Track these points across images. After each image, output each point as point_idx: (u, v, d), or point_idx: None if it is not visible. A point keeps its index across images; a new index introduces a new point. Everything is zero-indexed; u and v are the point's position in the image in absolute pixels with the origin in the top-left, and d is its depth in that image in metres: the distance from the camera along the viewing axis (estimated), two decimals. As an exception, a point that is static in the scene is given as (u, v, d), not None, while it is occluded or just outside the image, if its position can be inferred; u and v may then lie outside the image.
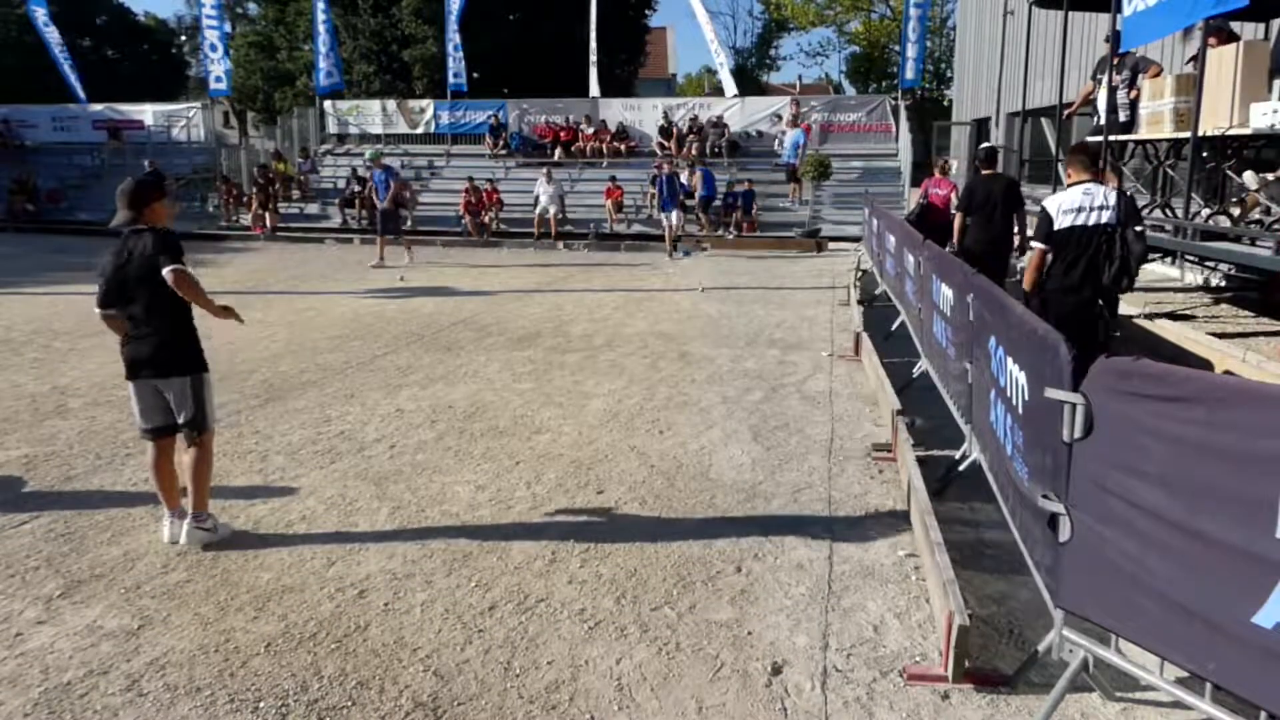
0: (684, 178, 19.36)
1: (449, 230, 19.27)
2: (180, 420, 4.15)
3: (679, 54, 55.57)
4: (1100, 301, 5.53)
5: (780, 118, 21.80)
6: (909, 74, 21.86)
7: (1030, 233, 5.88)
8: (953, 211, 9.36)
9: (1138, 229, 5.41)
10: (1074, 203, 5.40)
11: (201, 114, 25.70)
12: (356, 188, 20.02)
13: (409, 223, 19.75)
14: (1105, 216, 5.33)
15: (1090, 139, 10.34)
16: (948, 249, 7.59)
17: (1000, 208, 8.03)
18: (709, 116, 22.21)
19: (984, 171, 8.46)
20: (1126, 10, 7.41)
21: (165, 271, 3.94)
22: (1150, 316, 8.46)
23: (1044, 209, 5.55)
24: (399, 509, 4.65)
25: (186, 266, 4.02)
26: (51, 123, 25.69)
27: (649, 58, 38.88)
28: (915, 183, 16.56)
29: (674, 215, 16.38)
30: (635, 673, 3.18)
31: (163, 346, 4.08)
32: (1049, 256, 5.52)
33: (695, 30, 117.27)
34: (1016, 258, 8.68)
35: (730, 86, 24.30)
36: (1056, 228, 5.43)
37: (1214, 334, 7.57)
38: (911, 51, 21.74)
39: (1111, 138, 9.13)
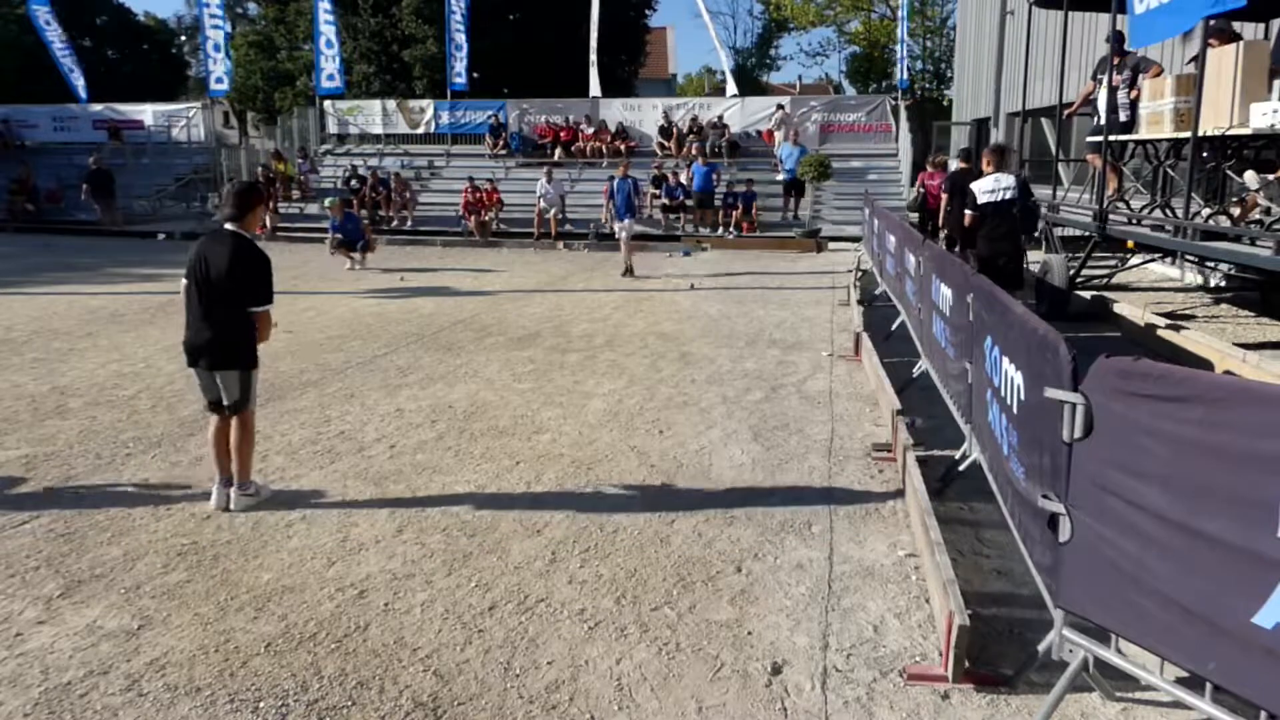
0: (683, 178, 19.41)
1: (449, 230, 19.26)
2: (225, 401, 4.63)
3: (679, 54, 55.55)
4: (1012, 250, 8.28)
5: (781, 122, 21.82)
6: (904, 74, 21.87)
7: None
8: (941, 195, 11.47)
9: (1032, 200, 8.91)
10: (988, 186, 8.11)
11: (201, 114, 25.69)
12: (356, 184, 20.04)
13: (409, 223, 19.85)
14: (1009, 194, 8.01)
15: (1090, 138, 10.37)
16: (941, 234, 9.95)
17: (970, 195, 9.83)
18: (709, 117, 22.22)
19: (961, 166, 10.75)
20: (1138, 9, 7.40)
21: (254, 310, 4.53)
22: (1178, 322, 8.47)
23: (970, 190, 8.33)
24: (399, 509, 4.65)
25: (273, 306, 4.62)
26: (51, 123, 25.66)
27: (649, 58, 38.86)
28: (915, 182, 17.38)
29: (628, 225, 13.72)
30: (635, 673, 3.18)
31: (224, 343, 4.54)
32: (975, 220, 8.25)
33: (695, 30, 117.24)
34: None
35: (734, 86, 24.32)
36: (980, 203, 8.12)
37: (1215, 335, 7.57)
38: (905, 52, 21.75)
39: (1112, 138, 9.13)
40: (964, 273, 4.73)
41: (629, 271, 13.54)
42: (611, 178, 14.42)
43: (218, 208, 20.86)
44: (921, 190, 12.94)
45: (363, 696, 3.04)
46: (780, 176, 19.02)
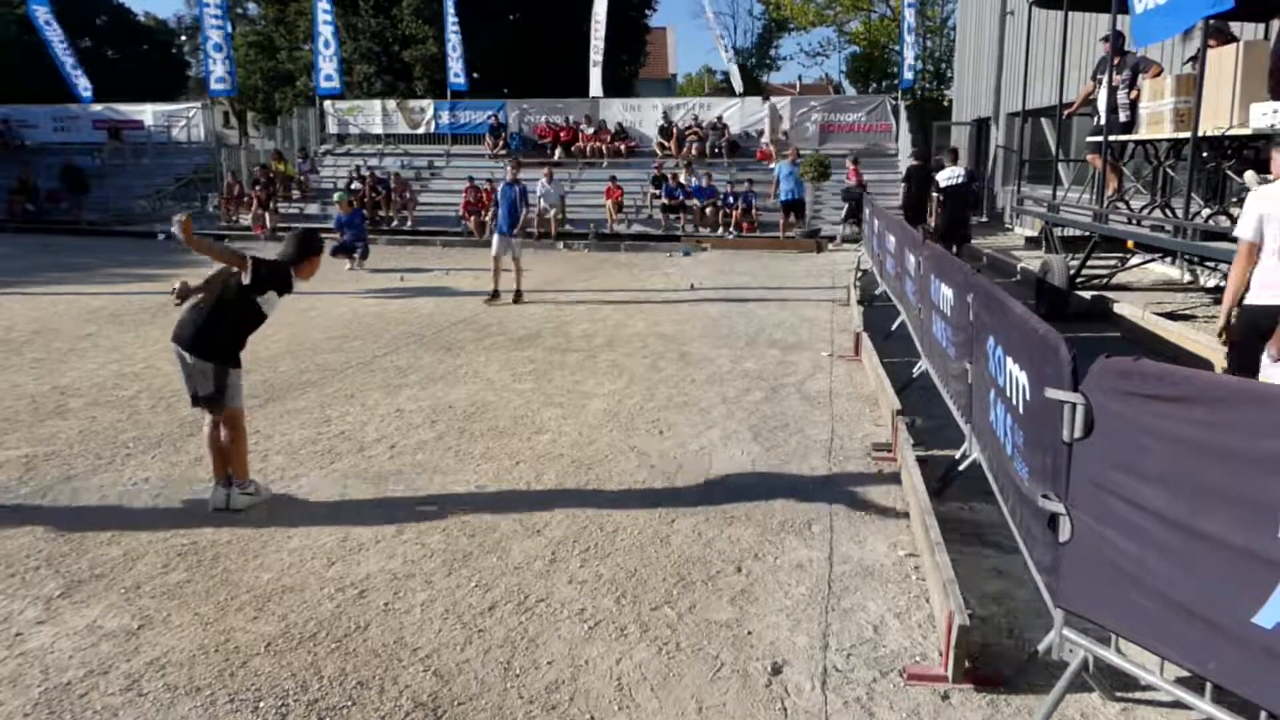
0: (682, 178, 19.42)
1: (449, 230, 19.27)
2: (199, 394, 4.59)
3: (679, 54, 55.53)
4: (964, 218, 13.10)
5: (780, 118, 21.78)
6: (907, 74, 21.86)
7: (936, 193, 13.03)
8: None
9: (975, 185, 15.43)
10: (949, 176, 12.90)
11: (201, 114, 25.69)
12: (356, 185, 20.04)
13: (409, 223, 19.87)
14: (961, 180, 12.84)
15: (1090, 138, 10.37)
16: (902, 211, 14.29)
17: (923, 184, 14.95)
18: (709, 117, 22.23)
19: (915, 163, 16.00)
20: (1137, 9, 7.39)
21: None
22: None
23: (936, 179, 13.13)
24: (399, 509, 4.65)
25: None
26: (51, 123, 25.66)
27: (649, 58, 38.86)
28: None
29: (503, 243, 11.04)
30: (635, 673, 3.18)
31: (209, 334, 4.55)
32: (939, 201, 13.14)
33: (695, 30, 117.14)
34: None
35: (739, 85, 24.33)
36: (942, 187, 12.96)
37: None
38: (909, 52, 21.72)
39: (1112, 138, 9.13)
40: (964, 272, 4.74)
41: (495, 295, 11.04)
42: (500, 182, 11.58)
43: (217, 208, 21.08)
44: (849, 182, 17.69)
45: (363, 696, 3.04)
46: (779, 198, 17.69)
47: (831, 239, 17.48)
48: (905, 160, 19.88)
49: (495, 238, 11.24)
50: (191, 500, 4.75)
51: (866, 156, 20.72)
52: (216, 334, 4.58)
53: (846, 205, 17.33)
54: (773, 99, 22.16)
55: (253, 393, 6.91)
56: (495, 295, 11.11)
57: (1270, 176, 7.01)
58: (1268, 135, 6.94)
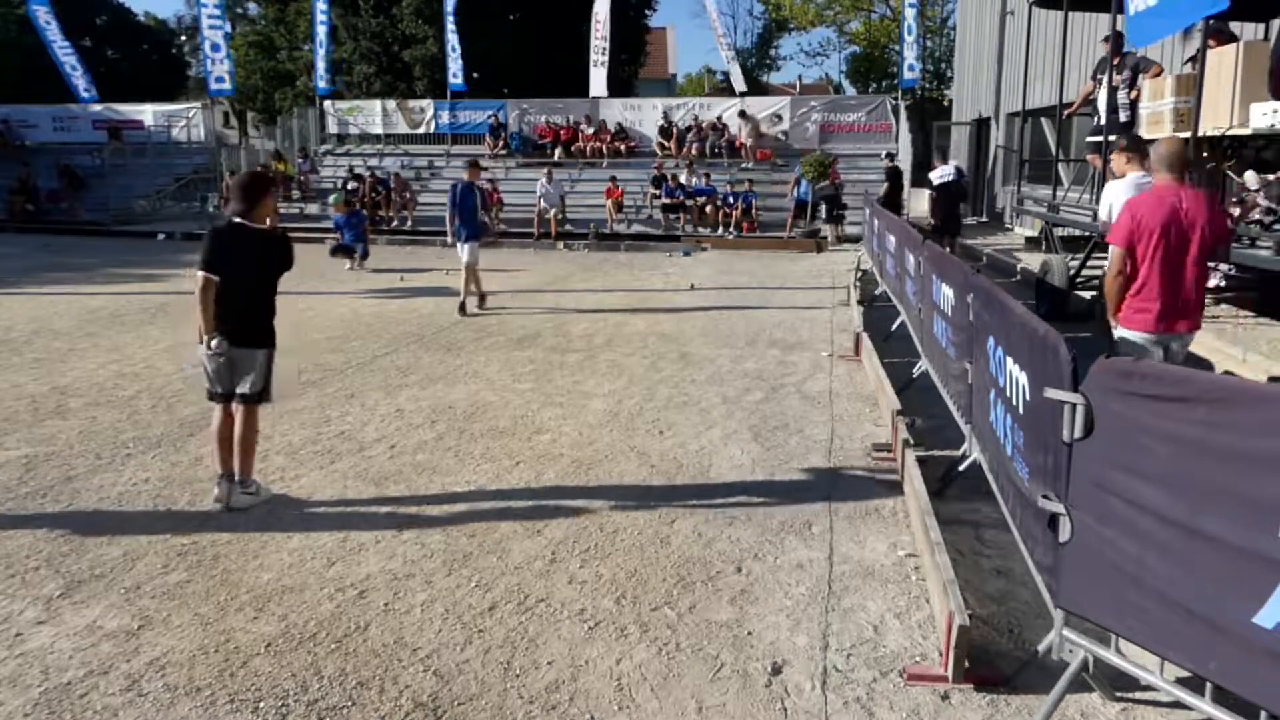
0: (683, 178, 19.41)
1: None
2: (246, 390, 4.64)
3: (679, 54, 55.48)
4: (954, 211, 14.80)
5: (780, 118, 21.78)
6: (907, 74, 21.88)
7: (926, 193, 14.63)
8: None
9: (963, 181, 15.71)
10: (939, 174, 14.47)
11: (201, 114, 25.69)
12: (354, 185, 20.03)
13: (409, 223, 19.86)
14: (951, 177, 14.41)
15: (1090, 138, 10.37)
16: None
17: (899, 183, 17.44)
18: (709, 119, 22.22)
19: (890, 165, 17.75)
20: (1131, 10, 7.40)
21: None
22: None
23: (930, 178, 14.57)
24: (399, 509, 4.65)
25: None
26: (51, 123, 25.66)
27: (649, 58, 38.84)
28: (915, 183, 18.93)
29: (469, 249, 10.21)
30: (635, 673, 3.18)
31: (255, 325, 4.69)
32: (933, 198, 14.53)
33: (695, 30, 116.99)
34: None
35: (740, 84, 24.33)
36: (935, 184, 14.41)
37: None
38: (910, 52, 21.74)
39: (1111, 138, 9.12)
40: (964, 272, 4.74)
41: (483, 298, 10.64)
42: (455, 184, 10.66)
43: (217, 208, 21.06)
44: (824, 182, 18.47)
45: (363, 696, 3.04)
46: (796, 197, 18.33)
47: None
48: (907, 161, 19.90)
49: (463, 246, 10.25)
50: (192, 500, 4.76)
51: (864, 158, 20.76)
52: (269, 320, 4.73)
53: (824, 206, 17.75)
54: (747, 105, 22.06)
55: (253, 393, 6.91)
56: (483, 299, 10.71)
57: (1270, 176, 7.03)
58: (1268, 135, 6.96)
